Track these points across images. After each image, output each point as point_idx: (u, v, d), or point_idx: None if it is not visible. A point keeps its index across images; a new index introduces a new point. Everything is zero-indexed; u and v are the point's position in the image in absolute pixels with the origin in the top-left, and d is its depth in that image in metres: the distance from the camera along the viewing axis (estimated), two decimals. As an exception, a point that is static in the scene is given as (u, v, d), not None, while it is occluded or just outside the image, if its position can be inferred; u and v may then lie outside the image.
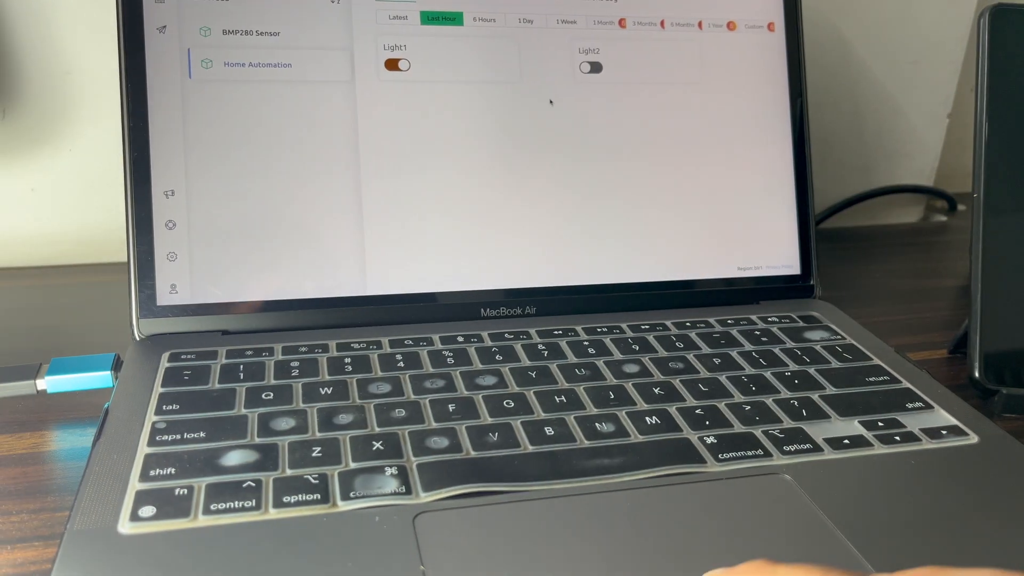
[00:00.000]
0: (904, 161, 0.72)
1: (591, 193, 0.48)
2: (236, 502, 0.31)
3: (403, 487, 0.32)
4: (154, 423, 0.35)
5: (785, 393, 0.40)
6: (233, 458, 0.33)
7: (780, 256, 0.51)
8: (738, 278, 0.50)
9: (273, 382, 0.39)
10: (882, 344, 0.46)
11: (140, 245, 0.43)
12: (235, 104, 0.44)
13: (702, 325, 0.46)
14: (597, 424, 0.37)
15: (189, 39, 0.44)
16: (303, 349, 0.42)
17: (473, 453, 0.34)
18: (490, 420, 0.37)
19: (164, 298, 0.43)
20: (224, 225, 0.43)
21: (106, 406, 0.36)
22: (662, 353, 0.43)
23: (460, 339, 0.44)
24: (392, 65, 0.46)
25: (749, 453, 0.35)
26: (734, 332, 0.46)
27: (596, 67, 0.48)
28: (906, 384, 0.41)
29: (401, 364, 0.41)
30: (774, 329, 0.46)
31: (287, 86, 0.45)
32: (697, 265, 0.50)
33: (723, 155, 0.50)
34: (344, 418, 0.36)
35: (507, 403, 0.38)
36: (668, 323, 0.46)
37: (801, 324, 0.47)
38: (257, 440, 0.34)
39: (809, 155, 0.52)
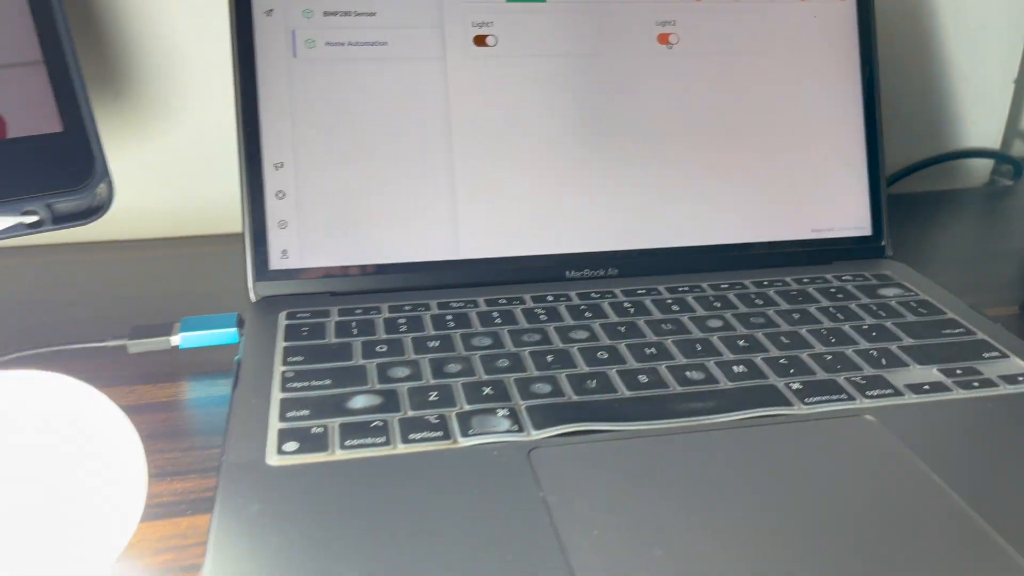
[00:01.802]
0: (970, 126, 0.72)
1: (669, 160, 0.50)
2: (367, 439, 0.34)
3: (515, 426, 0.35)
4: (283, 372, 0.39)
5: (864, 344, 0.42)
6: (359, 402, 0.36)
7: (852, 218, 0.53)
8: (812, 240, 0.52)
9: (384, 336, 0.42)
10: (955, 299, 0.47)
11: (253, 214, 0.46)
12: (336, 81, 0.47)
13: (779, 284, 0.49)
14: (687, 372, 0.39)
15: (294, 21, 0.47)
16: (407, 308, 0.45)
17: (575, 398, 0.37)
18: (587, 369, 0.39)
19: (276, 262, 0.46)
20: (329, 194, 0.47)
21: (237, 359, 0.40)
22: (743, 309, 0.45)
23: (550, 298, 0.46)
24: (480, 41, 0.49)
25: (833, 397, 0.38)
26: (810, 290, 0.48)
27: (672, 38, 0.51)
28: (981, 335, 0.43)
29: (498, 321, 0.44)
30: (849, 286, 0.48)
31: (383, 63, 0.48)
32: (772, 228, 0.52)
33: (796, 121, 0.52)
34: (453, 367, 0.39)
35: (600, 354, 0.41)
36: (746, 282, 0.49)
37: (875, 282, 0.49)
38: (378, 386, 0.38)
39: (880, 120, 0.53)
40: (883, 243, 0.53)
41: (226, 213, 0.57)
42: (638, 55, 0.50)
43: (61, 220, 0.42)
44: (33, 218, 0.41)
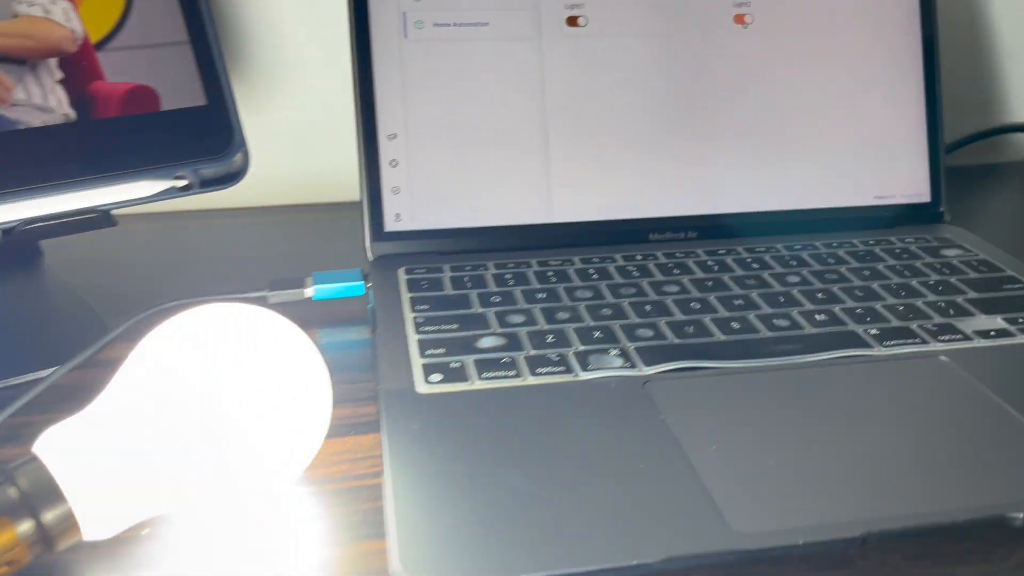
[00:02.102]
0: (1015, 101, 0.76)
1: (744, 132, 0.54)
2: (500, 372, 0.39)
3: (628, 363, 0.40)
4: (414, 318, 0.43)
5: (931, 297, 0.46)
6: (486, 342, 0.41)
7: (912, 185, 0.57)
8: (875, 206, 0.56)
9: (495, 289, 0.47)
10: (1012, 258, 0.51)
11: (370, 181, 0.51)
12: (442, 59, 0.51)
13: (848, 245, 0.53)
14: (773, 320, 0.44)
15: (405, 3, 0.51)
16: (510, 265, 0.49)
17: (676, 340, 0.42)
18: (682, 317, 0.44)
19: (390, 225, 0.51)
20: (436, 162, 0.51)
21: (370, 307, 0.45)
22: (817, 267, 0.50)
23: (639, 257, 0.51)
24: (572, 22, 0.53)
25: (908, 341, 0.42)
26: (877, 250, 0.52)
27: (747, 19, 0.54)
28: (1039, 290, 0.47)
29: (595, 276, 0.48)
30: (912, 247, 0.52)
31: (485, 43, 0.52)
32: (838, 194, 0.56)
33: (861, 95, 0.56)
34: (562, 315, 0.44)
35: (693, 304, 0.45)
36: (817, 244, 0.53)
37: (936, 243, 0.53)
38: (500, 330, 0.42)
39: (939, 94, 0.57)
40: (941, 209, 0.57)
41: (337, 183, 0.62)
42: (716, 34, 0.54)
43: (206, 184, 0.47)
44: (183, 182, 0.46)
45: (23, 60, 0.42)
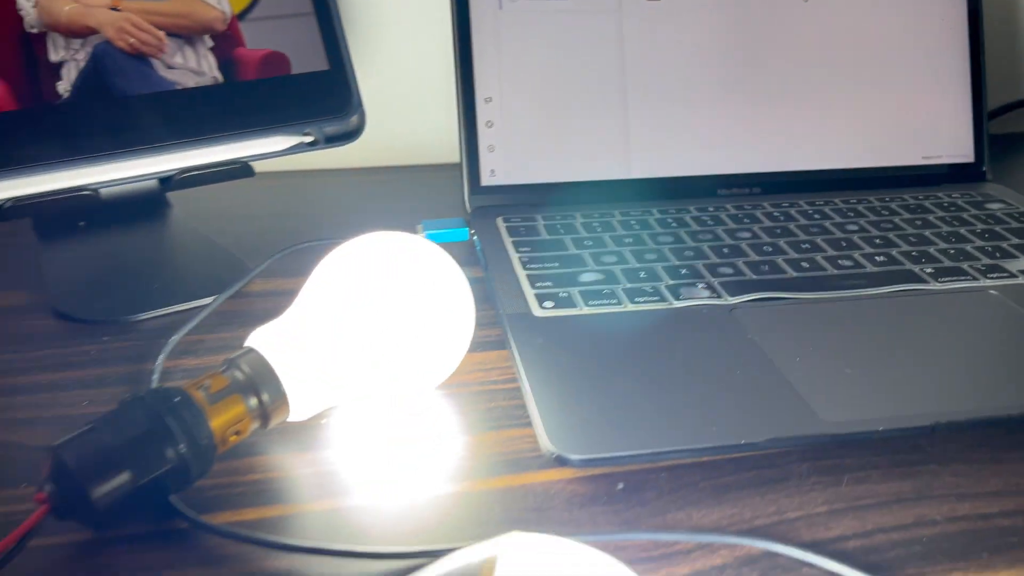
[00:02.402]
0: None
1: (804, 97, 0.59)
2: (604, 300, 0.44)
3: (715, 294, 0.45)
4: (519, 257, 0.49)
5: (979, 243, 0.52)
6: (586, 277, 0.47)
7: (958, 147, 0.62)
8: (923, 165, 0.61)
9: (585, 235, 0.52)
10: (1051, 212, 0.56)
11: (468, 140, 0.56)
12: (533, 28, 0.57)
13: (899, 200, 0.58)
14: (838, 260, 0.49)
15: (499, -21, 0.57)
16: (595, 216, 0.55)
17: (754, 277, 0.47)
18: (757, 258, 0.49)
19: (486, 179, 0.57)
20: (528, 124, 0.57)
21: (478, 248, 0.50)
22: (872, 218, 0.55)
23: (711, 209, 0.56)
24: (649, -5, 0.58)
25: (960, 278, 0.47)
26: (927, 204, 0.57)
27: (808, -8, 0.60)
28: (1076, 237, 0.52)
29: (673, 225, 0.54)
30: (959, 201, 0.58)
31: (571, 14, 0.57)
32: (889, 154, 0.61)
33: (912, 63, 0.61)
34: (650, 256, 0.49)
35: (765, 248, 0.51)
36: (871, 199, 0.58)
37: (980, 199, 0.58)
38: (596, 268, 0.48)
39: (983, 63, 0.62)
40: (984, 168, 0.62)
41: (428, 146, 0.68)
42: (780, 6, 0.59)
43: (329, 141, 0.53)
44: (310, 138, 0.52)
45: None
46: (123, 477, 0.29)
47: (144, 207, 0.56)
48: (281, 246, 0.52)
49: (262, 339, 0.34)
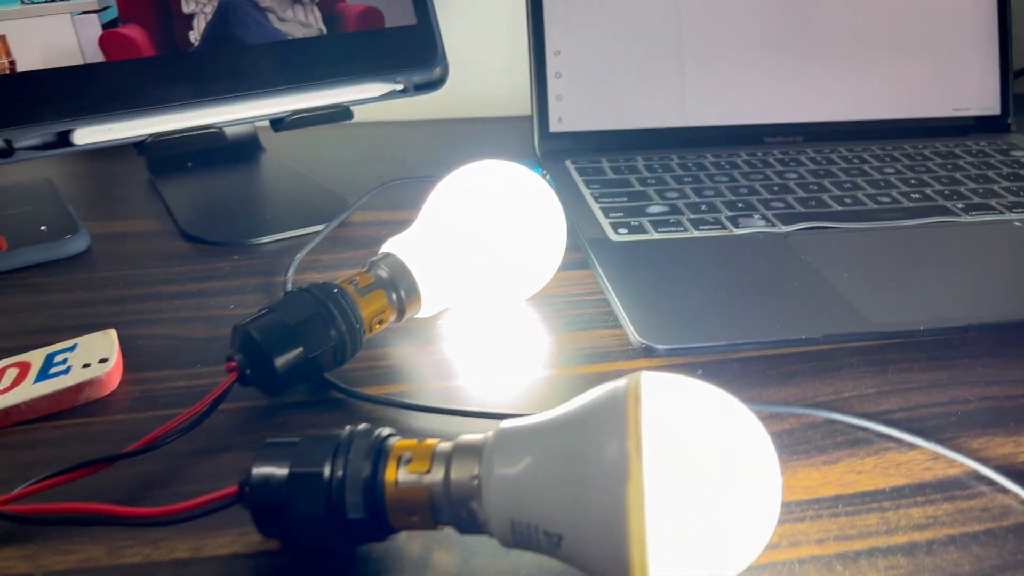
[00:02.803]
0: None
1: (843, 52, 0.65)
2: (671, 228, 0.50)
3: (769, 224, 0.51)
4: (590, 193, 0.55)
5: (1004, 183, 0.57)
6: (653, 209, 0.53)
7: (985, 99, 0.67)
8: (953, 116, 0.66)
9: (648, 175, 0.58)
10: (1071, 159, 0.62)
11: (539, 89, 0.62)
12: (597, -11, 0.62)
13: (930, 148, 0.63)
14: (878, 197, 0.55)
15: (567, -58, 0.62)
16: (655, 159, 0.60)
17: (803, 210, 0.53)
18: (804, 195, 0.55)
19: (554, 126, 0.62)
20: (592, 75, 0.62)
21: (552, 186, 0.56)
22: (907, 162, 0.60)
23: (759, 154, 0.62)
24: (704, -42, 0.63)
25: (988, 212, 0.53)
26: (956, 151, 0.63)
27: (849, -45, 0.65)
28: (1093, 180, 0.58)
29: (726, 167, 0.59)
30: (986, 149, 0.63)
31: (631, -25, 0.63)
32: (920, 106, 0.66)
33: (943, 20, 0.66)
34: (707, 193, 0.55)
35: (811, 187, 0.56)
36: (905, 146, 0.63)
37: (1006, 147, 0.64)
38: (660, 202, 0.54)
39: (1010, 24, 0.67)
40: (1009, 121, 0.67)
41: (496, 101, 0.73)
42: (823, -31, 0.64)
43: (417, 89, 0.58)
44: (401, 86, 0.58)
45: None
46: (297, 350, 0.35)
47: (243, 149, 0.62)
48: (370, 186, 0.58)
49: (397, 245, 0.40)
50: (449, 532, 0.28)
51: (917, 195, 0.55)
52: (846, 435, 0.36)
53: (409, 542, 0.30)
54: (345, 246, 0.51)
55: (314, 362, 0.36)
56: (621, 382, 0.26)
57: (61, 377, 0.36)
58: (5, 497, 0.29)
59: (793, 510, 0.32)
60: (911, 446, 0.35)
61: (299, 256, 0.48)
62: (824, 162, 0.60)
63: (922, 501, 0.32)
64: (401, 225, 0.44)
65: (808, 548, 0.30)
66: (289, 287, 0.45)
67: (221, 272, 0.48)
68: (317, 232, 0.51)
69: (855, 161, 0.61)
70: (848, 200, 0.54)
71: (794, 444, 0.35)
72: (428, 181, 0.45)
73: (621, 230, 0.50)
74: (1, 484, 0.31)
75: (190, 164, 0.61)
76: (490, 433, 0.28)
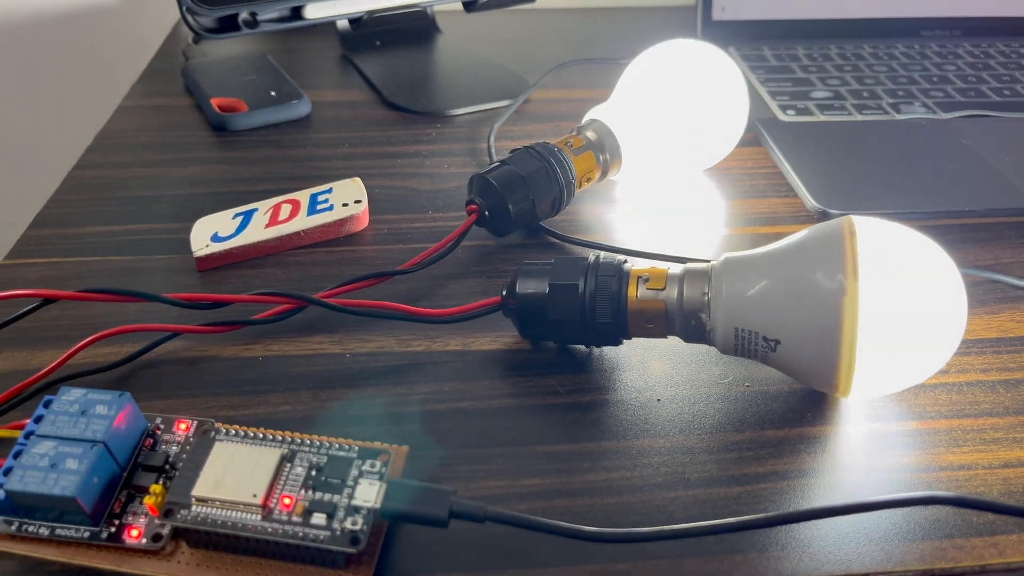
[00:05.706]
0: None
1: (1010, -54, 0.65)
2: (836, 111, 0.54)
3: (930, 111, 0.54)
4: (756, 77, 0.59)
5: None
6: (817, 94, 0.56)
7: None
8: (1116, 14, 0.67)
9: (808, 63, 0.61)
10: None
11: (704, -21, 0.65)
12: None
13: (1091, 44, 0.64)
14: (1036, 90, 0.57)
15: None
16: (814, 48, 0.64)
17: (962, 99, 0.56)
18: (963, 85, 0.58)
19: (717, 15, 0.66)
20: (756, -34, 0.65)
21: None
22: (1066, 58, 0.62)
23: (916, 47, 0.64)
24: None
25: None
26: (1117, 48, 0.64)
27: None
28: None
29: (884, 57, 0.62)
30: None
31: None
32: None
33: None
34: (868, 80, 0.58)
35: (970, 78, 0.59)
36: (1064, 42, 0.65)
37: None
38: (823, 87, 0.57)
39: None
40: None
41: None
42: None
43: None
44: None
45: None
46: (527, 197, 0.41)
47: (424, 31, 0.67)
48: (540, 69, 0.63)
49: (601, 113, 0.45)
50: (666, 345, 0.35)
51: (1076, 89, 0.57)
52: (1006, 292, 0.40)
53: (630, 353, 0.37)
54: (529, 120, 0.57)
55: (534, 210, 0.42)
56: (835, 220, 0.32)
57: (327, 212, 0.43)
58: (323, 294, 0.37)
59: (961, 347, 0.37)
60: (1066, 304, 0.39)
61: (496, 125, 0.54)
62: (982, 56, 0.62)
63: (1075, 346, 0.37)
64: (576, 103, 0.49)
65: (975, 375, 0.35)
66: (493, 152, 0.51)
67: (429, 137, 0.54)
68: (506, 107, 0.57)
69: (1012, 56, 0.62)
70: (1007, 92, 0.57)
71: (958, 297, 0.40)
72: (600, 64, 0.50)
73: (789, 112, 0.54)
74: (302, 290, 0.39)
75: (378, 43, 0.67)
76: (714, 261, 0.34)
